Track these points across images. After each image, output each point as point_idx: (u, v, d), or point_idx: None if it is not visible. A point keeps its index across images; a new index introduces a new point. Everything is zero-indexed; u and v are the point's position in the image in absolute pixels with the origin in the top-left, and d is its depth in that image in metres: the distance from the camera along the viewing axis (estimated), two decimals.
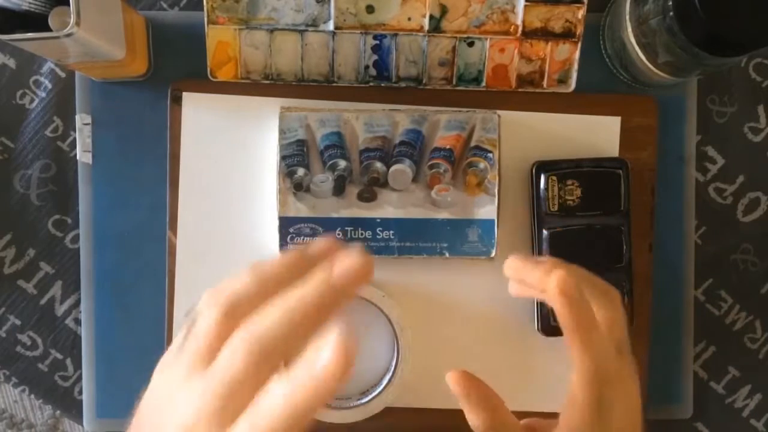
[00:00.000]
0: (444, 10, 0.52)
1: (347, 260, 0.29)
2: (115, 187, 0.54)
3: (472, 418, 0.38)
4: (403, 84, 0.53)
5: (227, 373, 0.29)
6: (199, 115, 0.53)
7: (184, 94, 0.53)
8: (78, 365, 0.56)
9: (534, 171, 0.53)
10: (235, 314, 0.30)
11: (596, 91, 0.54)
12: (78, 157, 0.55)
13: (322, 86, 0.53)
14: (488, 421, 0.38)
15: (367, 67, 0.53)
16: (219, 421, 0.29)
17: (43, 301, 0.56)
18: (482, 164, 0.52)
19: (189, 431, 0.29)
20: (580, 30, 0.52)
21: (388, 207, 0.52)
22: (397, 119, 0.52)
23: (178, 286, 0.53)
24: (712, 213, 0.56)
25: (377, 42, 0.52)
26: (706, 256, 0.56)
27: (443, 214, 0.52)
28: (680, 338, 0.56)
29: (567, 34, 0.52)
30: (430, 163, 0.52)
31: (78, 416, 0.56)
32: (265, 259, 0.32)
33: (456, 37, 0.52)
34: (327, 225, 0.52)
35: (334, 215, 0.52)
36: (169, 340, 0.53)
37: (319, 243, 0.32)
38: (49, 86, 0.55)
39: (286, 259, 0.31)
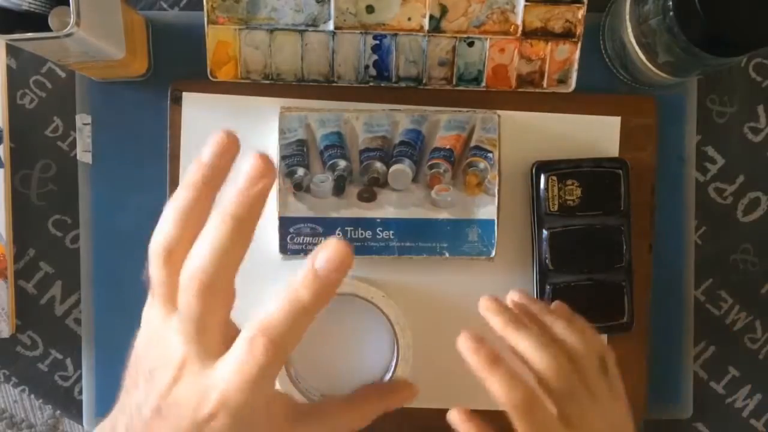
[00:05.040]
0: (444, 10, 0.52)
1: (248, 168, 0.32)
2: (115, 187, 0.54)
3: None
4: (403, 84, 0.53)
5: (190, 314, 0.32)
6: (199, 115, 0.53)
7: (184, 94, 0.53)
8: (78, 365, 0.56)
9: (534, 171, 0.53)
10: (173, 255, 0.34)
11: (596, 91, 0.54)
12: (78, 157, 0.55)
13: (322, 86, 0.53)
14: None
15: (367, 67, 0.53)
16: (204, 355, 0.33)
17: (43, 301, 0.56)
18: (482, 164, 0.52)
19: (184, 368, 0.33)
20: (580, 30, 0.52)
21: (388, 207, 0.52)
22: (397, 119, 0.52)
23: None
24: (712, 213, 0.56)
25: (377, 42, 0.52)
26: (706, 256, 0.56)
27: (443, 214, 0.52)
28: (680, 338, 0.56)
29: (567, 34, 0.52)
30: (430, 163, 0.52)
31: (78, 416, 0.56)
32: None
33: (456, 37, 0.52)
34: (327, 225, 0.52)
35: (334, 215, 0.52)
36: None
37: (210, 148, 0.34)
38: (49, 86, 0.55)
39: (190, 182, 0.33)
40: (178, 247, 0.33)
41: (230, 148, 0.33)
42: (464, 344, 0.40)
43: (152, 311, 0.36)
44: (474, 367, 0.40)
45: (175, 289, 0.33)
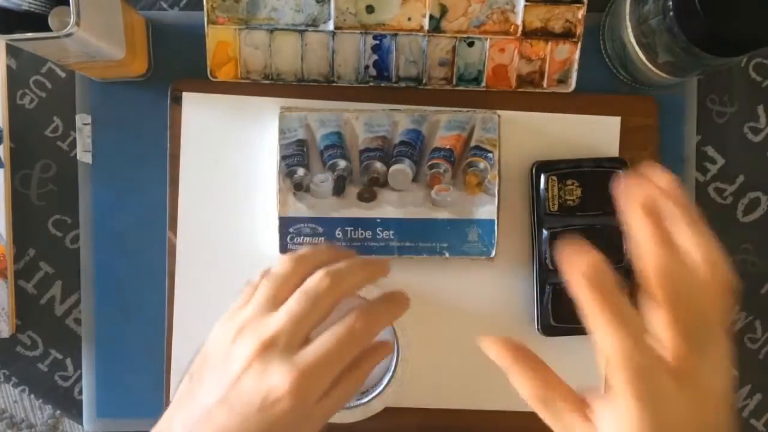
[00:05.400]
0: (444, 10, 0.52)
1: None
2: (115, 187, 0.54)
3: (523, 384, 0.35)
4: (403, 84, 0.53)
5: (310, 295, 0.40)
6: (199, 115, 0.53)
7: (184, 94, 0.53)
8: (78, 365, 0.56)
9: (534, 171, 0.53)
10: (306, 263, 0.42)
11: (596, 91, 0.54)
12: (78, 157, 0.55)
13: (322, 86, 0.53)
14: (540, 387, 0.34)
15: (367, 67, 0.53)
16: (289, 346, 0.38)
17: (43, 301, 0.56)
18: (482, 164, 0.52)
19: (262, 354, 0.38)
20: (580, 30, 0.52)
21: (388, 207, 0.52)
22: (397, 119, 0.52)
23: (178, 286, 0.53)
24: (712, 213, 0.56)
25: (377, 42, 0.52)
26: None
27: (443, 214, 0.52)
28: None
29: (567, 34, 0.52)
30: (430, 163, 0.52)
31: (78, 416, 0.56)
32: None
33: (456, 37, 0.52)
34: (327, 225, 0.52)
35: (334, 215, 0.52)
36: (169, 340, 0.53)
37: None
38: (49, 86, 0.55)
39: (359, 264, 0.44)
40: (316, 260, 0.42)
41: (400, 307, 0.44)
42: (579, 266, 0.33)
43: (239, 316, 0.41)
44: (586, 303, 0.33)
45: (286, 293, 0.40)
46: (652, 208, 0.34)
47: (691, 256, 0.33)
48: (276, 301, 0.40)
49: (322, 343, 0.39)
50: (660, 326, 0.33)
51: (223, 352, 0.39)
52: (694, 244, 0.34)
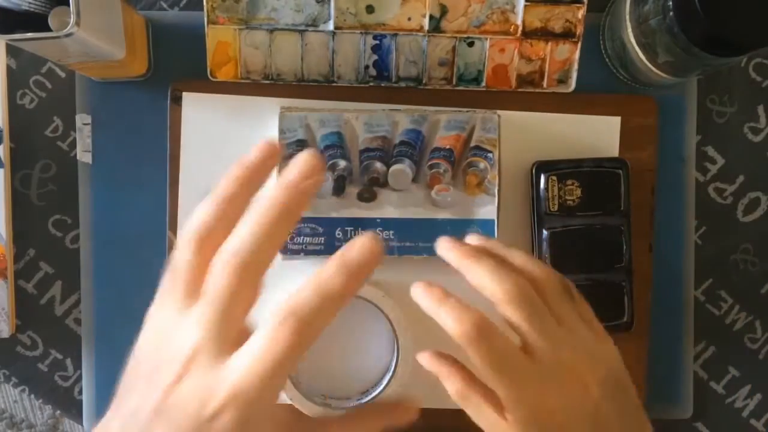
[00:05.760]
0: (444, 10, 0.52)
1: (298, 163, 0.32)
2: (115, 187, 0.54)
3: (449, 384, 0.40)
4: (403, 84, 0.53)
5: (218, 296, 0.30)
6: (199, 115, 0.53)
7: (184, 94, 0.53)
8: (78, 365, 0.56)
9: (534, 171, 0.53)
10: (207, 242, 0.32)
11: (596, 91, 0.54)
12: (78, 157, 0.55)
13: (322, 86, 0.53)
14: (462, 385, 0.39)
15: (367, 67, 0.53)
16: (220, 347, 0.30)
17: (43, 301, 0.56)
18: (482, 164, 0.52)
19: (193, 362, 0.30)
20: (580, 30, 0.52)
21: (388, 207, 0.52)
22: (397, 119, 0.52)
23: None
24: (712, 213, 0.56)
25: (377, 42, 0.52)
26: (706, 256, 0.56)
27: (443, 214, 0.52)
28: (680, 338, 0.56)
29: (567, 34, 0.52)
30: (430, 163, 0.52)
31: (78, 416, 0.56)
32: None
33: (456, 37, 0.52)
34: (327, 225, 0.52)
35: (334, 215, 0.52)
36: None
37: (255, 151, 0.33)
38: (49, 86, 0.55)
39: (232, 176, 0.33)
40: (215, 234, 0.32)
41: (273, 155, 0.33)
42: (416, 289, 0.40)
43: (165, 307, 0.34)
44: (425, 307, 0.39)
45: (201, 278, 0.32)
46: (474, 252, 0.40)
47: (503, 265, 0.40)
48: (192, 295, 0.32)
49: (250, 353, 0.30)
50: (515, 328, 0.38)
51: (153, 355, 0.34)
52: (518, 261, 0.41)
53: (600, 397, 0.37)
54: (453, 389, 0.39)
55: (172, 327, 0.33)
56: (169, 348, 0.32)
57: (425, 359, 0.41)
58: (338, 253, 0.31)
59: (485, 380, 0.37)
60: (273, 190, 0.32)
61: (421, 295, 0.39)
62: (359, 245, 0.30)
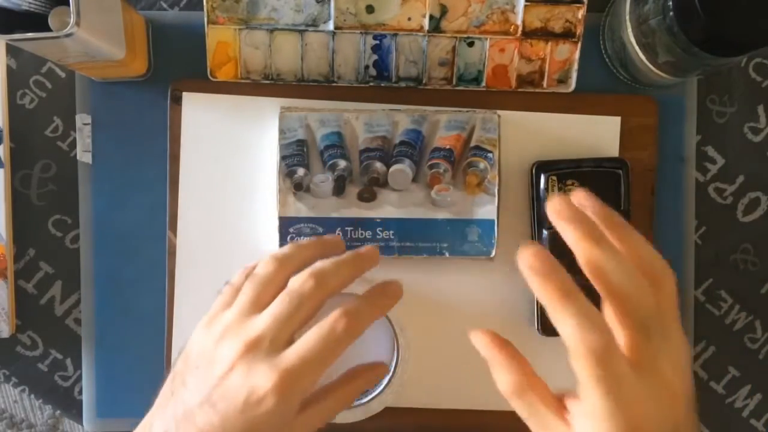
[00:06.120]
0: (444, 10, 0.52)
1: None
2: (115, 187, 0.54)
3: (503, 376, 0.35)
4: (403, 84, 0.53)
5: (295, 297, 0.39)
6: (199, 115, 0.53)
7: (184, 94, 0.53)
8: (78, 365, 0.56)
9: (534, 171, 0.53)
10: (288, 264, 0.41)
11: (596, 91, 0.54)
12: (78, 157, 0.55)
13: (322, 86, 0.53)
14: (519, 380, 0.35)
15: (367, 67, 0.53)
16: (273, 345, 0.38)
17: (43, 301, 0.56)
18: (482, 164, 0.52)
19: (247, 354, 0.37)
20: (580, 30, 0.52)
21: (388, 207, 0.52)
22: (397, 119, 0.52)
23: (178, 286, 0.53)
24: (712, 213, 0.56)
25: (377, 42, 0.52)
26: (706, 256, 0.56)
27: (443, 214, 0.52)
28: None
29: (567, 34, 0.52)
30: (430, 163, 0.52)
31: (78, 416, 0.56)
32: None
33: (456, 37, 0.52)
34: (327, 225, 0.52)
35: (334, 215, 0.52)
36: (169, 340, 0.53)
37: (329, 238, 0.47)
38: (49, 86, 0.55)
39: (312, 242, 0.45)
40: (299, 261, 0.42)
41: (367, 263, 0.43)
42: (530, 262, 0.34)
43: (220, 320, 0.40)
44: (541, 296, 0.33)
45: (270, 295, 0.40)
46: (577, 217, 0.35)
47: (622, 253, 0.35)
48: (260, 304, 0.40)
49: (304, 343, 0.38)
50: (611, 320, 0.34)
51: (207, 354, 0.39)
52: (620, 242, 0.35)
53: (684, 415, 0.34)
54: (508, 381, 0.35)
55: (232, 327, 0.39)
56: (225, 345, 0.38)
57: (479, 339, 0.37)
58: (384, 281, 0.42)
59: (581, 383, 0.32)
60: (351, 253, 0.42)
61: (535, 275, 0.34)
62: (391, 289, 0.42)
